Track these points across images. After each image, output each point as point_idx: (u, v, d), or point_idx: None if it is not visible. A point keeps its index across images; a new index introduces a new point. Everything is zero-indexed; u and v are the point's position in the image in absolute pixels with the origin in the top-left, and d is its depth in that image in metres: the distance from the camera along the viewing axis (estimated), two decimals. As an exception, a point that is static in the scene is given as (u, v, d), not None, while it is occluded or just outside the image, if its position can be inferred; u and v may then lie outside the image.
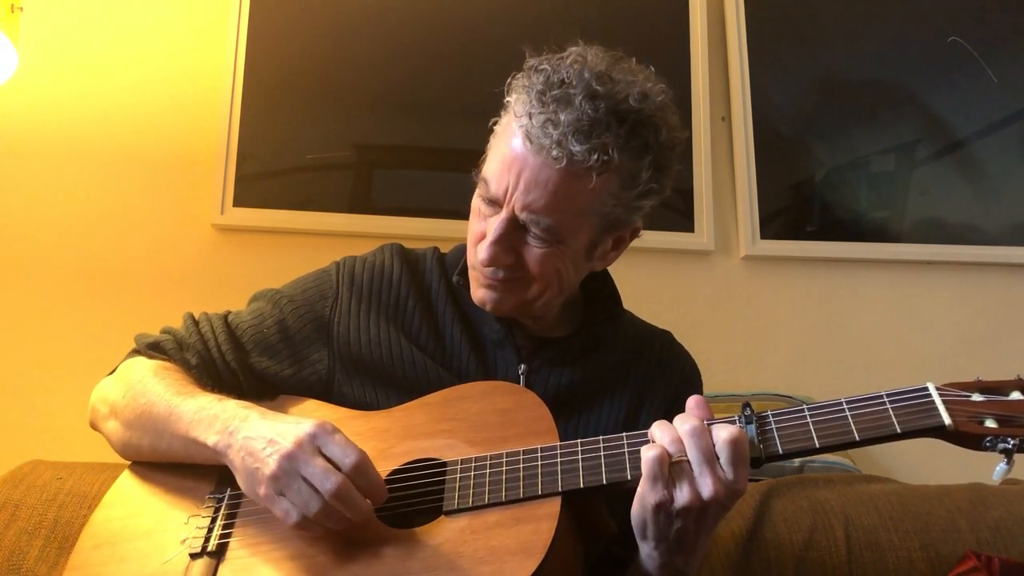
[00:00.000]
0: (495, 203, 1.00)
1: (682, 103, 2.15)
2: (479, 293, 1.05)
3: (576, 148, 0.93)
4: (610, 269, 1.19)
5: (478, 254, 1.01)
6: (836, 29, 2.23)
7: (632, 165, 0.98)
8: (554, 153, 0.93)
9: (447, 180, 2.04)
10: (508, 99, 1.03)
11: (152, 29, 2.02)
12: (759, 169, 2.14)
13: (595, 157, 0.93)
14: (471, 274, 1.07)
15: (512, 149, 0.97)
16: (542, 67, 0.99)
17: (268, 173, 1.99)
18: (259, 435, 0.89)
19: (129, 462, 1.07)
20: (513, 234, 0.99)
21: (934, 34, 2.24)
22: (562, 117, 0.93)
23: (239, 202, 1.96)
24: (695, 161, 2.11)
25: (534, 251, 1.00)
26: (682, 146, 1.04)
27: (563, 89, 0.95)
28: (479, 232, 1.03)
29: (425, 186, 2.05)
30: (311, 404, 1.06)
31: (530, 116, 0.95)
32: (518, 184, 0.97)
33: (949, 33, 2.23)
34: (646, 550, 0.91)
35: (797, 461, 1.65)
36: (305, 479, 0.85)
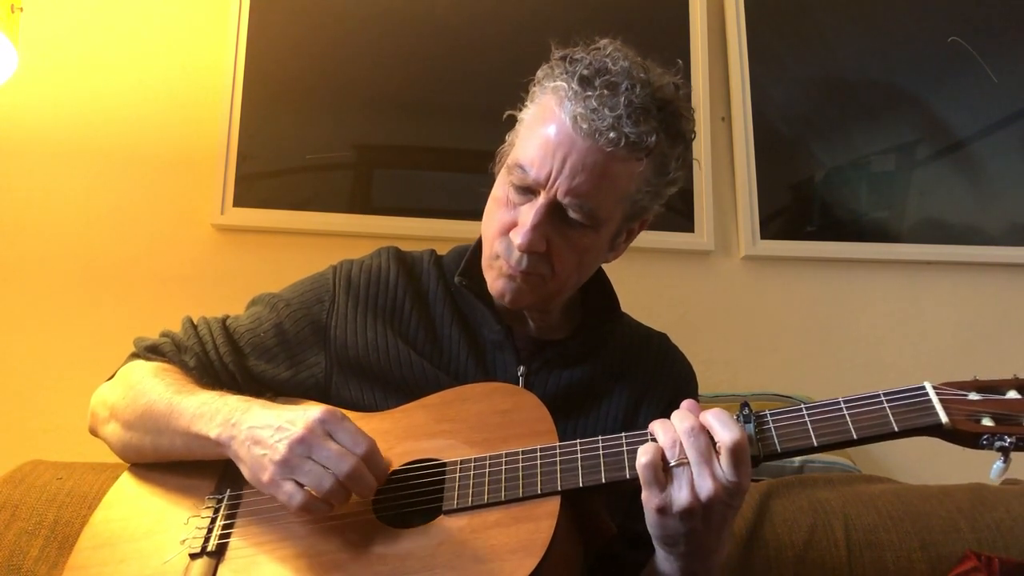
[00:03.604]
0: (532, 190, 1.00)
1: (682, 103, 2.17)
2: (499, 284, 1.04)
3: (631, 131, 0.94)
4: (610, 269, 1.19)
5: (514, 240, 1.00)
6: (836, 29, 2.23)
7: (668, 151, 1.01)
8: (610, 135, 0.94)
9: (447, 180, 2.03)
10: (536, 88, 1.03)
11: (152, 29, 2.02)
12: (759, 169, 2.14)
13: (648, 140, 0.95)
14: (492, 264, 1.05)
15: (555, 134, 0.97)
16: (578, 56, 1.00)
17: (268, 173, 1.99)
18: (265, 424, 0.90)
19: (129, 464, 1.07)
20: (550, 220, 0.99)
21: (934, 34, 2.24)
22: (619, 100, 0.94)
23: (239, 202, 1.96)
24: (695, 161, 2.11)
25: (567, 239, 1.01)
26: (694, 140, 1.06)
27: (608, 76, 0.96)
28: (507, 221, 1.02)
29: (425, 186, 2.04)
30: (310, 405, 1.06)
31: (581, 101, 0.95)
32: (563, 168, 0.96)
33: (949, 33, 2.23)
34: (661, 554, 0.91)
35: (797, 461, 1.65)
36: (317, 462, 0.86)
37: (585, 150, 0.96)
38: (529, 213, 0.99)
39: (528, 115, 1.04)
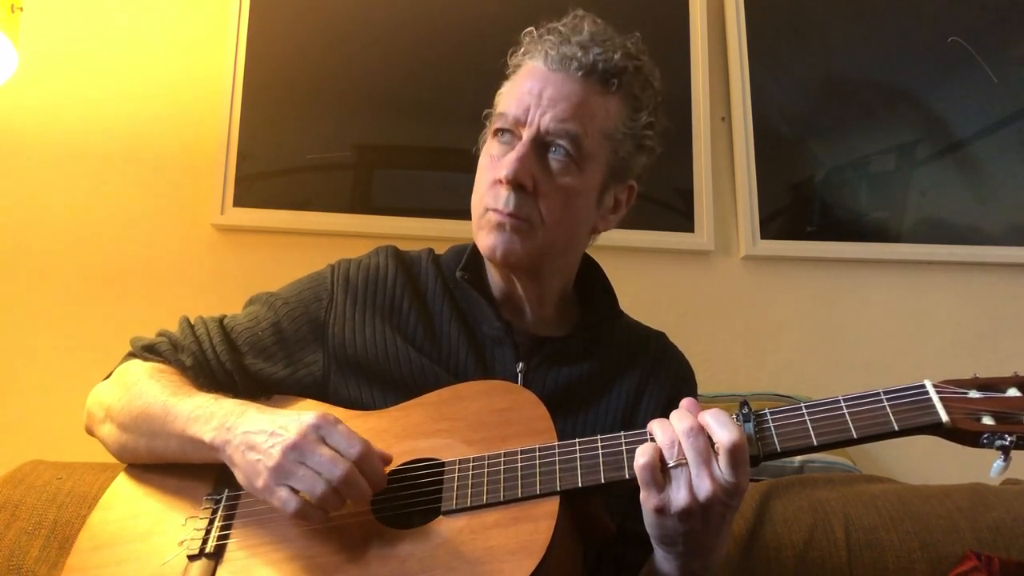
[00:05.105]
0: (513, 132, 1.04)
1: (682, 103, 2.17)
2: (490, 239, 1.04)
3: (598, 54, 1.03)
4: (610, 270, 1.19)
5: (499, 175, 1.02)
6: (836, 29, 2.23)
7: (639, 94, 1.07)
8: (580, 58, 1.02)
9: (447, 180, 2.04)
10: (510, 59, 1.11)
11: (152, 29, 2.02)
12: (759, 169, 2.13)
13: (616, 60, 1.03)
14: (482, 222, 1.06)
15: (529, 79, 1.05)
16: (548, 24, 1.09)
17: (268, 173, 1.99)
18: (259, 428, 0.90)
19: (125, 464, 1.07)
20: (535, 156, 1.02)
21: (934, 34, 2.23)
22: (584, 31, 1.05)
23: (239, 202, 1.95)
24: (695, 161, 2.10)
25: (553, 179, 1.03)
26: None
27: (575, 24, 1.07)
28: (493, 176, 1.04)
29: (425, 186, 2.04)
30: (308, 404, 1.06)
31: (548, 39, 1.05)
32: (541, 101, 1.02)
33: (949, 33, 2.23)
34: (660, 554, 0.91)
35: (797, 461, 1.65)
36: (311, 468, 0.86)
37: (559, 81, 1.03)
38: (513, 152, 1.02)
39: (505, 87, 1.11)
